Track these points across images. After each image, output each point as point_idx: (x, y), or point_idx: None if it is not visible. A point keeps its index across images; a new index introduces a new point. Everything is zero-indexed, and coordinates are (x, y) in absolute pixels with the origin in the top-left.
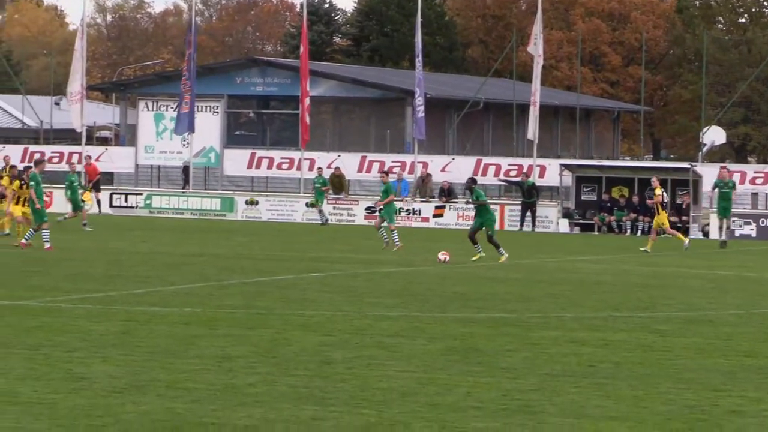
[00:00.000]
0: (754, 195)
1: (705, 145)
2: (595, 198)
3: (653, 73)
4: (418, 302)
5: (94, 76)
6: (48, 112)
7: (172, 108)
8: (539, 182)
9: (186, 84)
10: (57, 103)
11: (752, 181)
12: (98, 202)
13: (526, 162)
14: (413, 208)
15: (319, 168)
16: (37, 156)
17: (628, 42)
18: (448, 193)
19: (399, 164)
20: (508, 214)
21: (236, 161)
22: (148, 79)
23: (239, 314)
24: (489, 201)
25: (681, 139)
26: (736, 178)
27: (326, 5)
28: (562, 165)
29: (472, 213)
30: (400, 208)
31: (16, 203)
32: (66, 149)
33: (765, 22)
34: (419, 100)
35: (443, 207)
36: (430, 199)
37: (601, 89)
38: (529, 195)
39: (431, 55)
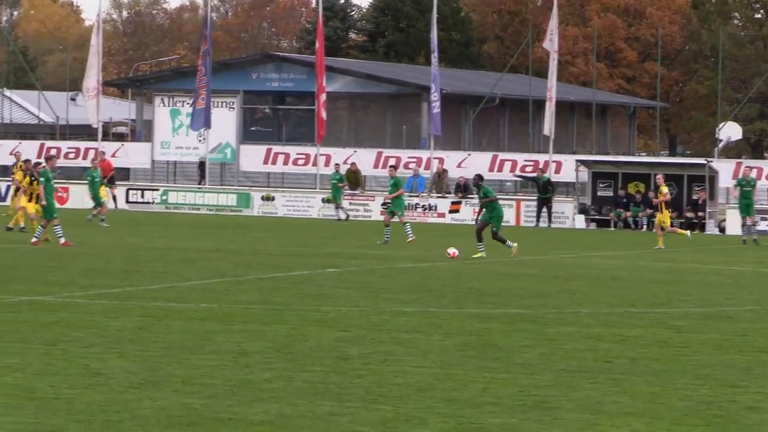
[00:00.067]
0: None
1: (721, 140)
2: (611, 194)
3: (669, 68)
4: (434, 298)
5: (110, 72)
6: (64, 108)
7: (188, 104)
8: (555, 178)
9: (202, 80)
10: (73, 99)
11: None
12: (114, 197)
13: (542, 158)
14: (429, 204)
15: (337, 164)
16: (53, 152)
17: (644, 37)
18: (464, 188)
19: (415, 160)
20: (524, 210)
21: (252, 157)
22: (164, 74)
23: (255, 310)
24: (503, 197)
25: (697, 134)
26: (753, 174)
27: (342, 1)
28: (578, 161)
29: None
30: (416, 204)
31: (29, 200)
32: (82, 145)
33: None
34: (435, 96)
35: (459, 203)
36: (446, 195)
37: (617, 85)
38: (544, 191)
39: (447, 51)
